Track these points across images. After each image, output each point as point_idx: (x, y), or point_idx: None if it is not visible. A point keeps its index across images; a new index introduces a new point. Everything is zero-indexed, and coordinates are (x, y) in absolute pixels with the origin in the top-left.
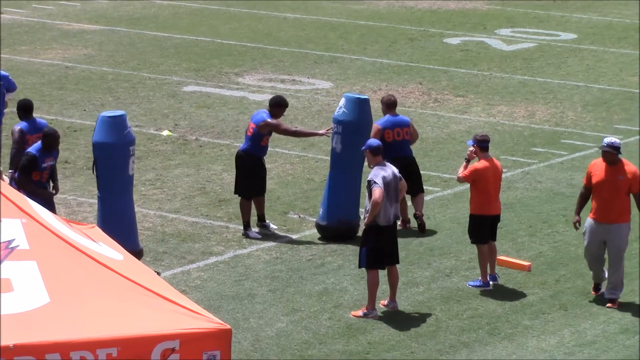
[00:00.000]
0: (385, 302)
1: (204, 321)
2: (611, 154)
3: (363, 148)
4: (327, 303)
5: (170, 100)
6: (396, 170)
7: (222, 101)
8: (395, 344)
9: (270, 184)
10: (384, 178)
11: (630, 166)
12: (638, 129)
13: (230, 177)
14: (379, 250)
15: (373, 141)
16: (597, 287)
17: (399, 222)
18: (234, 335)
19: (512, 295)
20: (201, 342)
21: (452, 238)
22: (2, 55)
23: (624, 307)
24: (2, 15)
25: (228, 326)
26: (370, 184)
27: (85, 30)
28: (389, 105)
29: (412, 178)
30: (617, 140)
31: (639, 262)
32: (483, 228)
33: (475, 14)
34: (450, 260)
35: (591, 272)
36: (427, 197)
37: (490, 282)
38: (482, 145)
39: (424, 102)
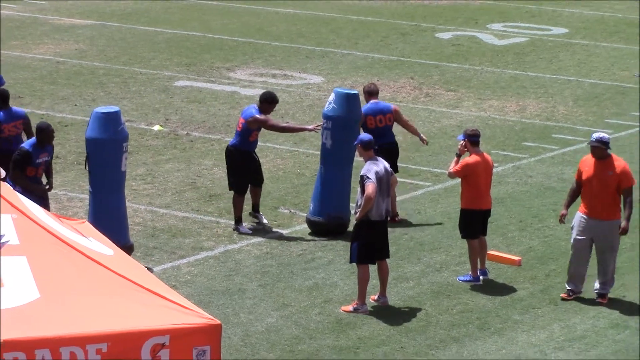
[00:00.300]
0: (376, 297)
1: (194, 316)
2: (600, 149)
3: (355, 143)
4: (317, 298)
5: (162, 95)
6: (387, 165)
7: (213, 96)
8: (386, 338)
9: None
10: (376, 173)
11: (619, 162)
12: (629, 123)
13: (221, 172)
14: (370, 245)
15: (365, 136)
16: (569, 293)
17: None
18: (224, 331)
19: (502, 290)
20: (191, 338)
21: (443, 233)
22: None
23: (614, 302)
24: None
25: (218, 321)
26: (363, 179)
27: (77, 25)
28: (370, 92)
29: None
30: (606, 135)
31: (638, 259)
32: (474, 223)
33: (467, 8)
34: (440, 255)
35: (568, 275)
36: (417, 192)
37: (481, 277)
38: (472, 139)
39: (415, 97)
